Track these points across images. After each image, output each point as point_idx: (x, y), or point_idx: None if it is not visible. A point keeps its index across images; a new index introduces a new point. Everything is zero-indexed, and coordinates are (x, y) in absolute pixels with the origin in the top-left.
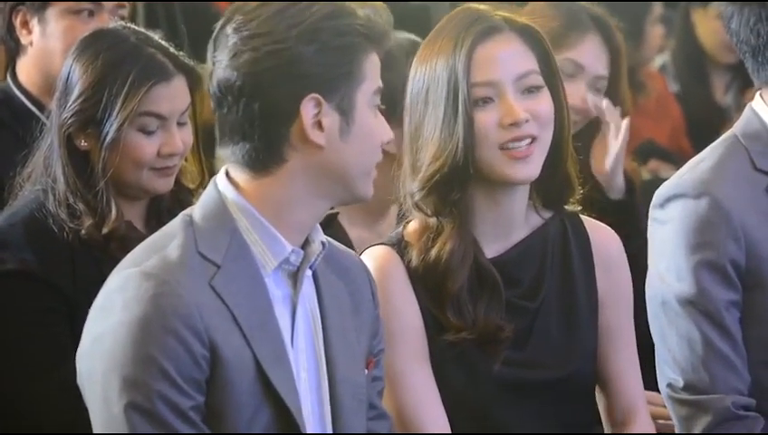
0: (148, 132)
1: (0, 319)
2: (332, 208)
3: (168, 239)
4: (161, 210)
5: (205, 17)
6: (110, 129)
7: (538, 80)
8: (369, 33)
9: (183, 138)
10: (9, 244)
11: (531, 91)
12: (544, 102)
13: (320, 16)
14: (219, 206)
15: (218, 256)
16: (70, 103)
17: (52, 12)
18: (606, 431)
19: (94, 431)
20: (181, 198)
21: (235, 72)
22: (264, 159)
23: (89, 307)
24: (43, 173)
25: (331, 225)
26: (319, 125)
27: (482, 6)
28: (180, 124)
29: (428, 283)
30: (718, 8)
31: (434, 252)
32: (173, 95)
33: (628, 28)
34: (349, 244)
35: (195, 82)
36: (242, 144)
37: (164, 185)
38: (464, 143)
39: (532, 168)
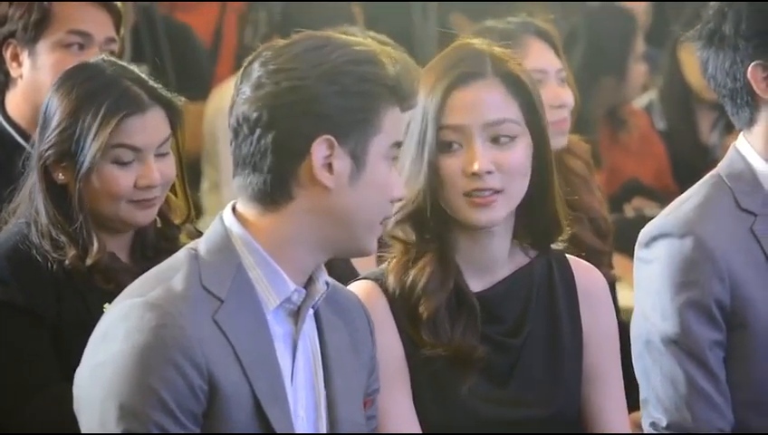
0: (122, 164)
1: None
2: None
3: (173, 271)
4: (146, 243)
5: (190, 49)
6: (84, 161)
7: (512, 129)
8: (394, 86)
9: (162, 169)
10: None
11: (501, 140)
12: (515, 154)
13: (345, 60)
14: (224, 240)
15: (222, 291)
16: (47, 136)
17: (43, 45)
18: None
19: None
20: (167, 233)
21: (255, 105)
22: (271, 194)
23: (73, 338)
24: (28, 205)
25: None
26: (329, 167)
27: (476, 43)
28: (160, 156)
29: (406, 304)
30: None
31: (412, 273)
32: (148, 127)
33: (610, 65)
34: (352, 270)
35: (174, 114)
36: (252, 176)
37: (144, 217)
38: (426, 188)
39: (494, 214)
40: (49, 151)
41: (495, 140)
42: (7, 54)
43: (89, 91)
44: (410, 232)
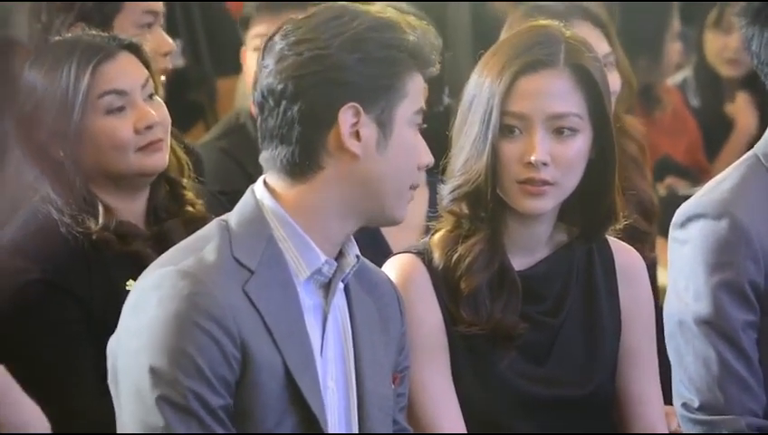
0: (115, 112)
1: (24, 328)
2: None
3: (205, 242)
4: (158, 206)
5: (223, 24)
6: (76, 118)
7: (575, 122)
8: (415, 52)
9: (155, 109)
10: (29, 253)
11: (562, 132)
12: (573, 147)
13: (366, 27)
14: (256, 212)
15: (253, 262)
16: (28, 110)
17: (118, 27)
18: None
19: (124, 428)
20: (175, 192)
21: (279, 77)
22: (300, 165)
23: (102, 311)
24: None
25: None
26: (356, 135)
27: (551, 28)
28: (147, 99)
29: (450, 280)
30: (730, 24)
31: (460, 250)
32: (123, 69)
33: (646, 44)
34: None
35: (144, 57)
36: (280, 148)
37: (156, 162)
38: (487, 171)
39: (543, 204)
40: (40, 128)
41: (557, 132)
42: None
43: (56, 57)
44: (465, 208)
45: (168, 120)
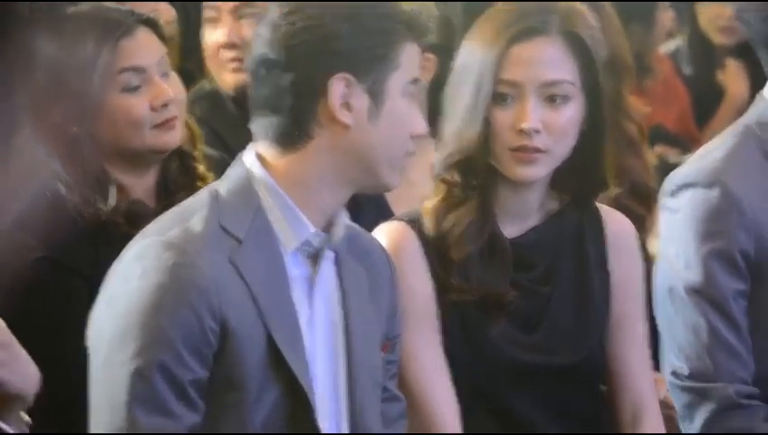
0: (132, 90)
1: (29, 305)
2: None
3: (193, 211)
4: (169, 179)
5: None
6: (94, 96)
7: (567, 90)
8: (410, 22)
9: (171, 87)
10: (36, 231)
11: (555, 100)
12: (565, 115)
13: None
14: (245, 182)
15: (241, 232)
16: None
17: None
18: (613, 431)
19: (92, 391)
20: (186, 164)
21: (271, 46)
22: (290, 135)
23: None
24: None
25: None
26: (347, 105)
27: None
28: (164, 75)
29: (441, 248)
30: None
31: (451, 219)
32: (142, 46)
33: (638, 11)
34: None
35: (161, 32)
36: (271, 117)
37: (171, 139)
38: (480, 139)
39: (535, 171)
40: (57, 103)
41: (549, 99)
42: None
43: (75, 29)
44: (457, 177)
45: (184, 95)
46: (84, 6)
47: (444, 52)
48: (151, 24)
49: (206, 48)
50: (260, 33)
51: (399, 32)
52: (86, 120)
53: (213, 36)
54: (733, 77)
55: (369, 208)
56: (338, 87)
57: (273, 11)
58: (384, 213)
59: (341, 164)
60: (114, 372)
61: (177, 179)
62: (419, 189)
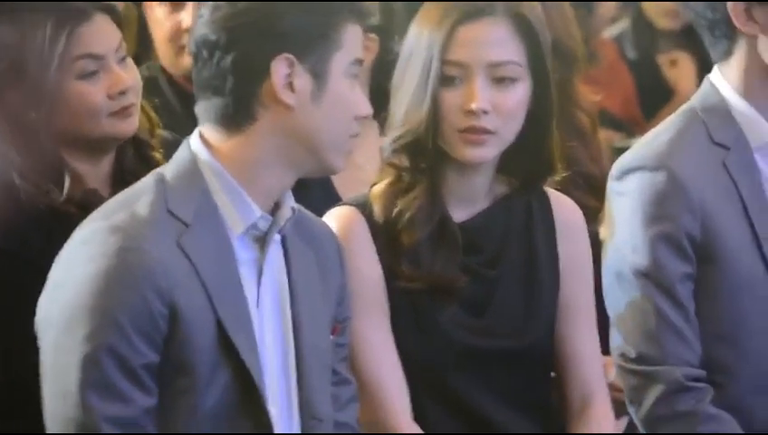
0: (88, 77)
1: None
2: None
3: (138, 196)
4: (125, 169)
5: None
6: (48, 82)
7: (514, 71)
8: (351, 3)
9: (128, 73)
10: None
11: (502, 81)
12: (514, 96)
13: None
14: (191, 165)
15: (188, 216)
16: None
17: None
18: (563, 419)
19: (44, 379)
20: (142, 152)
21: (213, 27)
22: (234, 116)
23: None
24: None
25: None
26: (290, 86)
27: None
28: (120, 62)
29: (390, 234)
30: None
31: (400, 204)
32: (99, 32)
33: None
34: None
35: (119, 18)
36: (213, 100)
37: (127, 127)
38: (427, 120)
39: (484, 153)
40: (12, 89)
41: (497, 81)
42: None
43: (30, 14)
44: (405, 161)
45: (140, 82)
46: None
47: (385, 33)
48: (109, 10)
49: (161, 30)
50: (202, 14)
51: (341, 12)
52: (43, 107)
53: (174, 18)
54: (684, 75)
55: (315, 191)
56: (280, 67)
57: None
58: (330, 196)
59: (286, 146)
60: (64, 359)
61: (132, 168)
62: (365, 173)
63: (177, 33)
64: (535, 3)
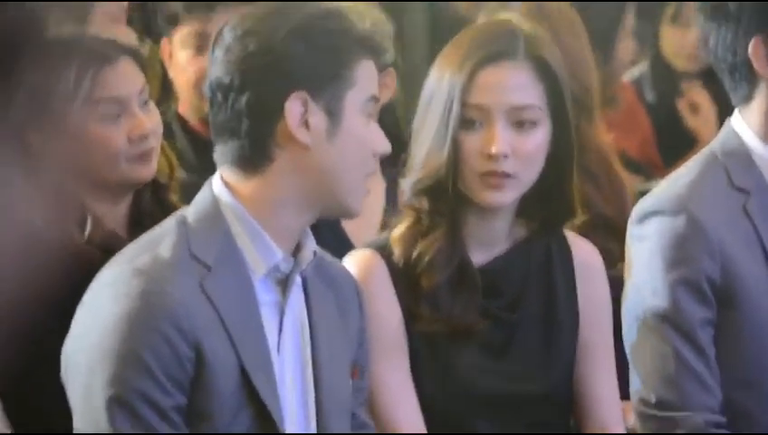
0: (110, 120)
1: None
2: None
3: (161, 238)
4: (143, 212)
5: None
6: (73, 126)
7: (535, 114)
8: (364, 39)
9: (150, 118)
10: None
11: (522, 124)
12: (533, 140)
13: (312, 16)
14: (213, 207)
15: (210, 258)
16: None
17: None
18: None
19: (75, 426)
20: (160, 196)
21: (226, 69)
22: (251, 158)
23: None
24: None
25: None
26: (306, 124)
27: (511, 21)
28: (143, 105)
29: (410, 277)
30: (688, 19)
31: (420, 247)
32: (123, 76)
33: (598, 41)
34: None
35: (143, 62)
36: (230, 142)
37: (146, 172)
38: (447, 164)
39: (504, 197)
40: (38, 133)
41: (517, 124)
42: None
43: (56, 57)
44: (425, 203)
45: (161, 127)
46: (67, 34)
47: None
48: (133, 53)
49: (183, 76)
50: (215, 58)
51: (353, 49)
52: (65, 149)
53: (198, 63)
54: (708, 123)
55: (325, 234)
56: (294, 106)
57: (228, 34)
58: (340, 239)
59: (304, 185)
60: (94, 402)
61: (149, 210)
62: (373, 215)
63: (201, 80)
64: (554, 48)
